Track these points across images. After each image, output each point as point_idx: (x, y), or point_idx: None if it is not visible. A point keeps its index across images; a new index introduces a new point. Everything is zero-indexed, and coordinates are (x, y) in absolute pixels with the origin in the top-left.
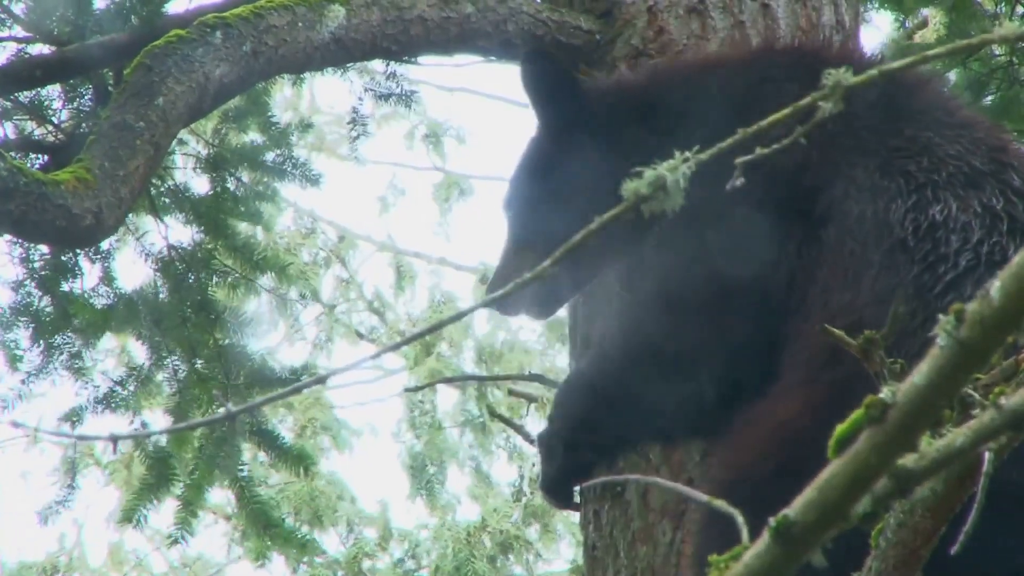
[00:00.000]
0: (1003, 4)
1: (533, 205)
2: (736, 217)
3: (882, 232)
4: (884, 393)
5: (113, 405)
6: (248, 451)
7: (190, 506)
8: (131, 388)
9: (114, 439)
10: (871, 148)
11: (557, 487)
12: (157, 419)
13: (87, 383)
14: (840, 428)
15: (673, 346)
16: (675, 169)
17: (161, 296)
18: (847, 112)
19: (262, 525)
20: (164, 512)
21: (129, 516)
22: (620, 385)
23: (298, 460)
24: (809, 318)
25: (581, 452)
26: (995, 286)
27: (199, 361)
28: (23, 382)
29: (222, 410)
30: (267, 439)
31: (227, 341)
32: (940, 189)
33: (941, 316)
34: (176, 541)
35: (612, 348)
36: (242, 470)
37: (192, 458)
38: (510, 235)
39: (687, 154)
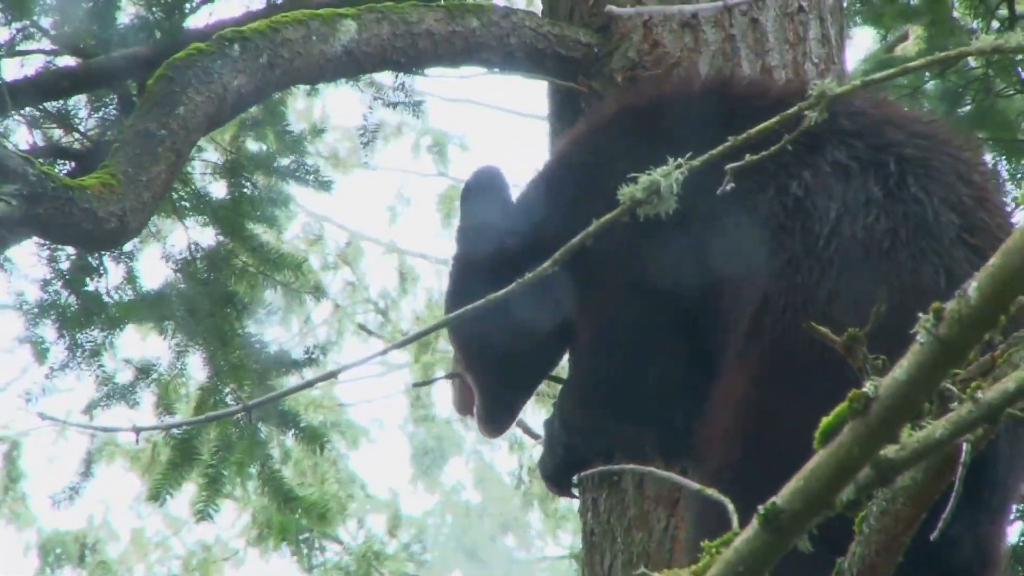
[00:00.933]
0: (980, 19)
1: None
2: (643, 256)
3: (759, 231)
4: (867, 387)
5: (132, 401)
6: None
7: (214, 484)
8: (156, 379)
9: (136, 430)
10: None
11: (557, 477)
12: (181, 408)
13: (109, 380)
14: (825, 421)
15: (618, 380)
16: (669, 175)
17: (186, 293)
18: (665, 133)
19: (282, 499)
20: (183, 500)
21: (155, 495)
22: (596, 410)
23: (313, 438)
24: (727, 331)
25: (579, 451)
26: (972, 286)
27: (226, 351)
28: (47, 376)
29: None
30: (286, 420)
31: (246, 330)
32: (790, 167)
33: (921, 315)
34: (203, 518)
35: (580, 382)
36: (267, 453)
37: (215, 439)
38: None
39: (679, 160)
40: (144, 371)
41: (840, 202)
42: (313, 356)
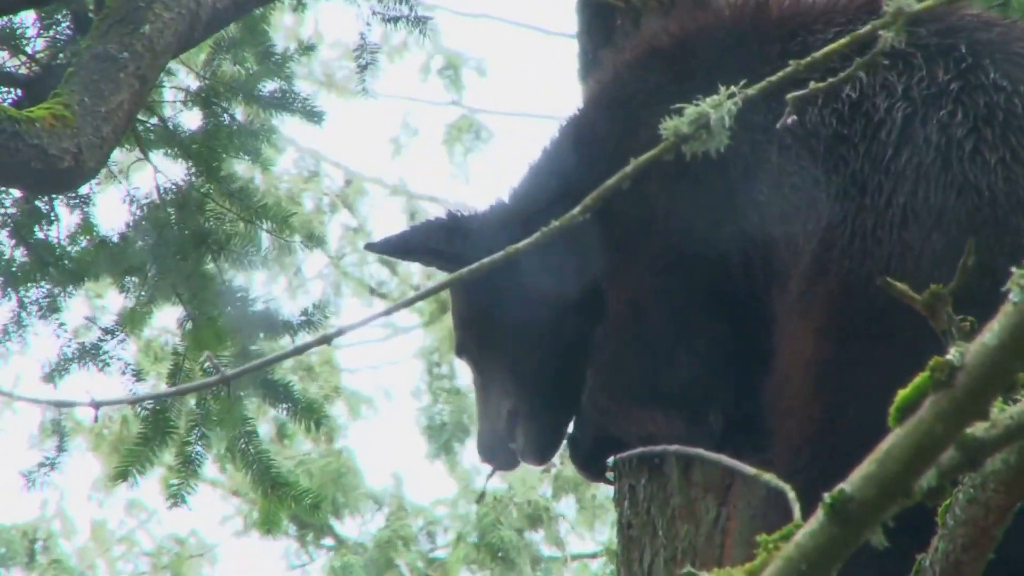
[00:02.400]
0: None
1: (485, 336)
2: (681, 223)
3: (811, 149)
4: (952, 354)
5: (100, 362)
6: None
7: (190, 465)
8: (119, 341)
9: (96, 405)
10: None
11: (590, 458)
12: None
13: (70, 340)
14: (902, 394)
15: (644, 364)
16: (719, 106)
17: (149, 241)
18: (699, 71)
19: (269, 484)
20: (153, 486)
21: (123, 474)
22: (619, 394)
23: (309, 413)
24: (786, 282)
25: (611, 431)
26: None
27: (192, 309)
28: None
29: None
30: (273, 391)
31: (225, 285)
32: (836, 68)
33: (1014, 269)
34: (177, 503)
35: (604, 361)
36: (248, 423)
37: (191, 413)
38: (477, 378)
39: (732, 89)
40: (112, 332)
41: (904, 99)
42: (312, 318)
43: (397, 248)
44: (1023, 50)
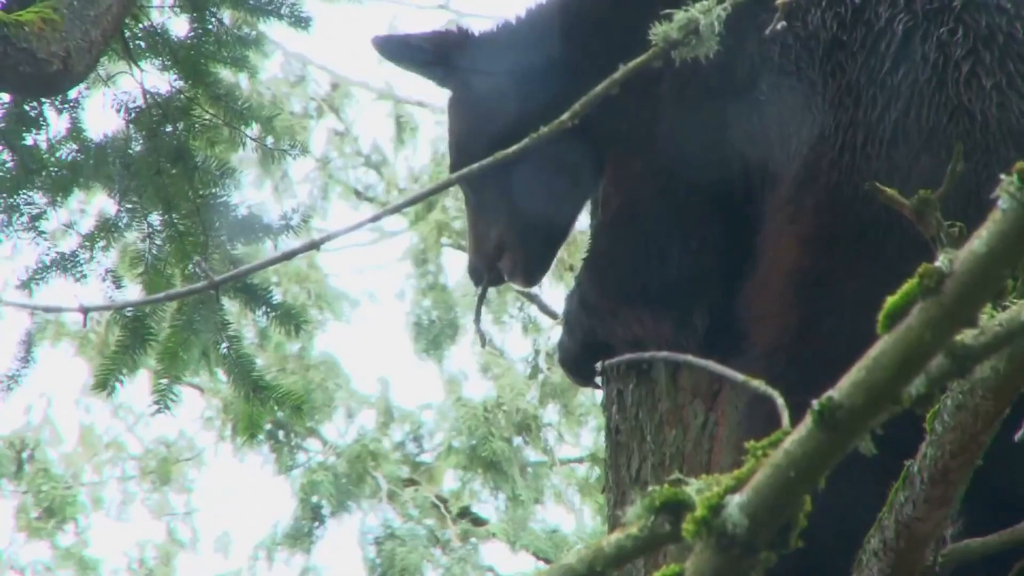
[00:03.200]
0: None
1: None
2: (687, 120)
3: (809, 51)
4: (940, 261)
5: (76, 272)
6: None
7: (172, 372)
8: (100, 247)
9: (84, 310)
10: None
11: (578, 362)
12: (131, 286)
13: (51, 248)
14: (891, 300)
15: (635, 262)
16: (709, 11)
17: (134, 147)
18: None
19: (250, 387)
20: (139, 390)
21: (103, 383)
22: (610, 292)
23: (288, 318)
24: (776, 188)
25: (600, 334)
26: None
27: (176, 216)
28: None
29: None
30: (253, 296)
31: (207, 192)
32: None
33: (1003, 176)
34: (161, 409)
35: (597, 259)
36: (229, 327)
37: (170, 320)
38: (471, 199)
39: None
40: (92, 238)
41: (907, 11)
42: (291, 223)
43: (399, 50)
44: None
